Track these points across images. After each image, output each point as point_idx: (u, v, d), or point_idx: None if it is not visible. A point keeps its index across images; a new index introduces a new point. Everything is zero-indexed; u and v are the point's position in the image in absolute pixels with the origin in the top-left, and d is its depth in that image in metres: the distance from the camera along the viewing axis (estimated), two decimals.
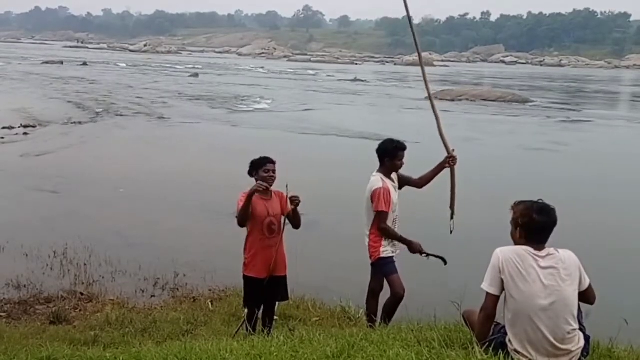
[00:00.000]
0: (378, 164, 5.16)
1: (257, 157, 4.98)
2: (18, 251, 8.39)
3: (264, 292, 4.93)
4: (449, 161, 5.05)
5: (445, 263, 5.08)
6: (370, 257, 5.10)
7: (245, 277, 5.01)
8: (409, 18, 5.22)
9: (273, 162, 4.90)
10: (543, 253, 3.29)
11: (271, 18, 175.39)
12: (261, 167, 4.86)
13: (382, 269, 5.05)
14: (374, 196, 4.96)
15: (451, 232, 5.10)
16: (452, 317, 4.04)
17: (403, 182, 5.24)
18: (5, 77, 38.94)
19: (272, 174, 4.85)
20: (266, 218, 4.82)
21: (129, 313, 6.39)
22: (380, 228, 4.99)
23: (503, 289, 3.30)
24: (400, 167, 5.14)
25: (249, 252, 4.94)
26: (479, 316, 3.42)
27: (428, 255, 5.06)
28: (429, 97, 5.22)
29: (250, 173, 4.94)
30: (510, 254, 3.29)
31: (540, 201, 3.41)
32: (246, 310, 5.13)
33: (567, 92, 43.53)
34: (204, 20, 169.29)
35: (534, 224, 3.32)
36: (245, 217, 4.78)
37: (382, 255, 5.01)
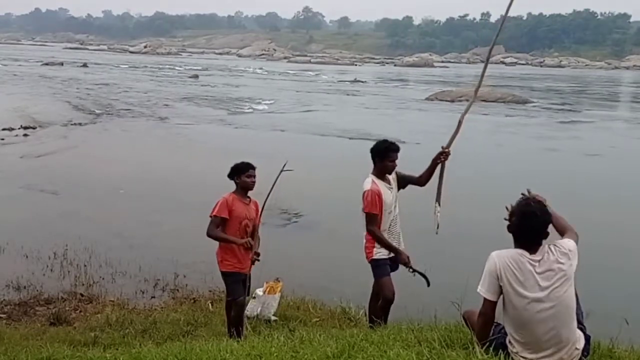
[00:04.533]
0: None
1: (237, 162, 5.24)
2: (18, 252, 8.41)
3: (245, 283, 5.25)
4: (441, 156, 4.90)
5: (429, 284, 4.97)
6: (366, 257, 5.07)
7: (227, 273, 5.20)
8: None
9: (254, 168, 5.19)
10: (538, 257, 3.26)
11: (271, 19, 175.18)
12: (244, 172, 5.14)
13: (374, 270, 5.01)
14: (363, 198, 4.93)
15: (437, 231, 4.92)
16: (452, 317, 4.03)
17: (405, 181, 5.12)
18: (5, 78, 38.92)
19: (253, 179, 5.17)
20: (243, 220, 5.13)
21: (129, 314, 6.41)
22: (368, 230, 4.96)
23: (501, 294, 3.28)
24: (392, 168, 5.02)
25: (224, 250, 5.21)
26: (477, 321, 3.41)
27: (414, 271, 4.97)
28: (475, 92, 5.23)
29: (232, 177, 5.18)
30: (506, 260, 3.26)
31: (533, 204, 3.36)
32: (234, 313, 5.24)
33: (567, 93, 43.51)
34: (203, 22, 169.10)
35: (515, 227, 3.31)
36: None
37: (375, 256, 4.96)
